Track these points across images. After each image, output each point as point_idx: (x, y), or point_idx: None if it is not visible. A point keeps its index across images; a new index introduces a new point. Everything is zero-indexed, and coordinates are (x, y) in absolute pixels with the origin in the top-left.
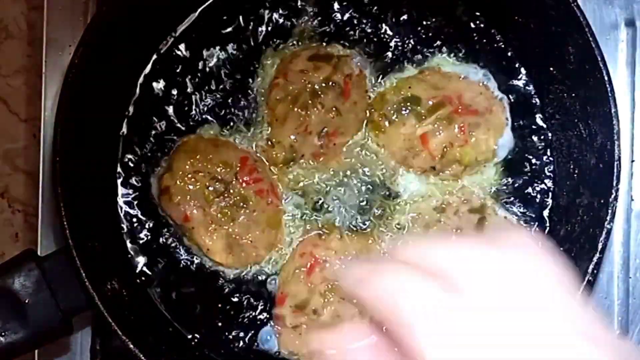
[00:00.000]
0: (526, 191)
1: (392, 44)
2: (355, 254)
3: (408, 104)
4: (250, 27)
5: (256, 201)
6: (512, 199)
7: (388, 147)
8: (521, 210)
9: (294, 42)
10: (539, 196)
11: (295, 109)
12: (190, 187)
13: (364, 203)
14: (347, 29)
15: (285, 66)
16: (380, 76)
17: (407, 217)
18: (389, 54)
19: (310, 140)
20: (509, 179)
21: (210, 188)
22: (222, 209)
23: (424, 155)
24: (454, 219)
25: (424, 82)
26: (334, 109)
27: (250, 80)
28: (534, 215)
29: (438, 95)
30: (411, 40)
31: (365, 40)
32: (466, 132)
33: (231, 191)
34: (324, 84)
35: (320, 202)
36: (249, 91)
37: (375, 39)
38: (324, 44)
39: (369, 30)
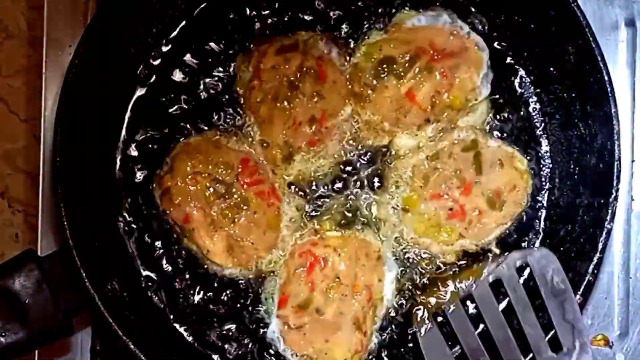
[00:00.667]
0: (515, 119)
1: (351, 13)
2: (354, 252)
3: (384, 66)
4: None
5: (257, 203)
6: (502, 128)
7: (378, 113)
8: (513, 138)
9: (259, 41)
10: (528, 123)
11: (278, 106)
12: (191, 188)
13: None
14: (305, 13)
15: (256, 66)
16: (350, 48)
17: (406, 173)
18: (350, 24)
19: (302, 131)
20: (498, 114)
21: (211, 189)
22: (222, 210)
23: (415, 110)
24: (450, 162)
25: (392, 40)
26: (315, 94)
27: (231, 86)
28: (527, 138)
29: (410, 49)
30: (371, 6)
31: (324, 18)
32: (449, 76)
33: (232, 193)
34: (298, 73)
35: (321, 200)
36: (232, 97)
37: (333, 14)
38: (289, 34)
39: (326, 8)
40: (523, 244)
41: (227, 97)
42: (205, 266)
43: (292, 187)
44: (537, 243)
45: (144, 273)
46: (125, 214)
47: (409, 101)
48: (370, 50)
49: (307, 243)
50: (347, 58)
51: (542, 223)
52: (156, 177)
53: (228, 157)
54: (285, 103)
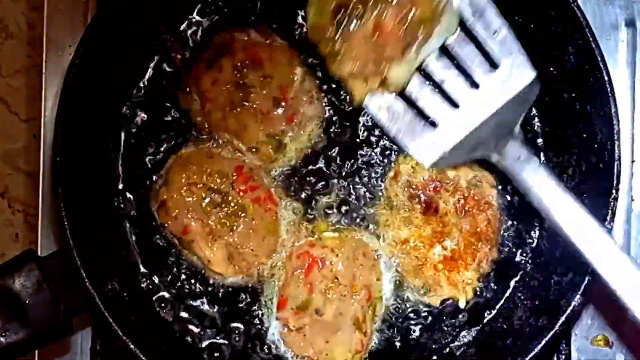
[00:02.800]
0: None
1: None
2: (351, 251)
3: (339, 15)
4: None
5: (254, 209)
6: None
7: (358, 60)
8: None
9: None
10: (528, 122)
11: (240, 111)
12: (187, 199)
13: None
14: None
15: (199, 92)
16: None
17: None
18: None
19: (275, 116)
20: None
21: (208, 199)
22: (220, 219)
23: (391, 42)
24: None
25: None
26: (262, 78)
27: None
28: (527, 138)
29: None
30: None
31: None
32: None
33: (228, 201)
34: (236, 72)
35: (318, 196)
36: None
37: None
38: (206, 49)
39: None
40: (524, 246)
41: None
42: (207, 275)
43: (291, 187)
44: (537, 243)
45: (144, 273)
46: (125, 214)
47: (380, 36)
48: (315, 9)
49: (304, 244)
50: (269, 32)
51: (543, 223)
52: (153, 189)
53: (222, 165)
54: (245, 103)
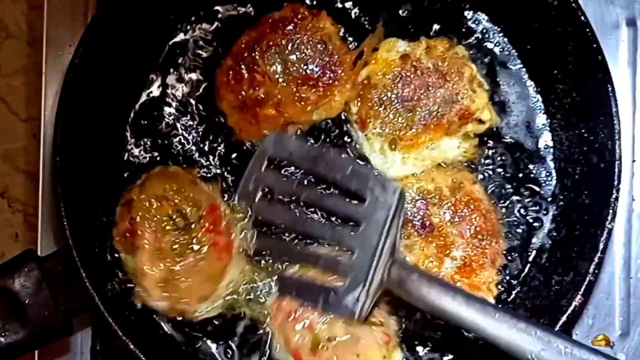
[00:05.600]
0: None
1: None
2: None
3: None
4: None
5: (208, 251)
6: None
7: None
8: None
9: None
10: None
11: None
12: (154, 210)
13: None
14: None
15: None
16: None
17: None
18: None
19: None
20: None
21: (171, 219)
22: (173, 243)
23: None
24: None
25: None
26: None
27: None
28: (528, 138)
29: None
30: None
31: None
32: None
33: (189, 231)
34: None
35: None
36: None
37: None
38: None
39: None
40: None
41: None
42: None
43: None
44: (538, 243)
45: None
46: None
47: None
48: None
49: (274, 302)
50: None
51: (543, 223)
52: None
53: (199, 196)
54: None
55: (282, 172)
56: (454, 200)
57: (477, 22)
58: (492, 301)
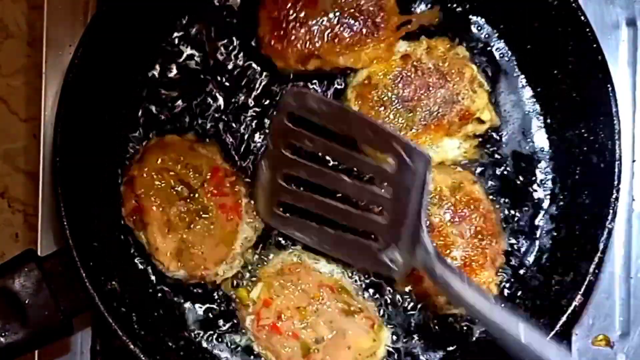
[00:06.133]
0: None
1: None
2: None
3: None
4: None
5: (216, 214)
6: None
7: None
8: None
9: None
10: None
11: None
12: (156, 183)
13: None
14: None
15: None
16: None
17: None
18: None
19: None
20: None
21: (175, 189)
22: (181, 213)
23: None
24: None
25: None
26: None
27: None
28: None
29: None
30: None
31: None
32: None
33: (195, 198)
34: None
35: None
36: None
37: None
38: None
39: None
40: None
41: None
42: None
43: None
44: (538, 243)
45: (145, 274)
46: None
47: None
48: None
49: (254, 319)
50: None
51: (543, 223)
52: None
53: (199, 162)
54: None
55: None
56: (453, 200)
57: (476, 24)
58: None
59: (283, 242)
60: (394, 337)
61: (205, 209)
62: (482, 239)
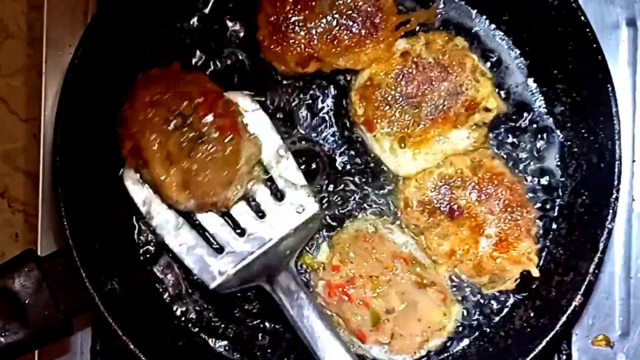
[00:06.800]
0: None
1: None
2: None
3: None
4: None
5: (215, 137)
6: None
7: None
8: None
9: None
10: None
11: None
12: (149, 118)
13: None
14: None
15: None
16: None
17: None
18: None
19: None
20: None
21: (169, 121)
22: (180, 143)
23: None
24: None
25: None
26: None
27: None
28: (528, 137)
29: None
30: None
31: None
32: None
33: (190, 125)
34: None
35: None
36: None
37: None
38: None
39: None
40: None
41: None
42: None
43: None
44: (538, 242)
45: (145, 273)
46: (125, 213)
47: None
48: None
49: (326, 285)
50: None
51: (543, 223)
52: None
53: (188, 88)
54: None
55: None
56: (476, 179)
57: (476, 23)
58: (536, 270)
59: (356, 212)
60: (464, 313)
61: (203, 134)
62: (513, 211)
